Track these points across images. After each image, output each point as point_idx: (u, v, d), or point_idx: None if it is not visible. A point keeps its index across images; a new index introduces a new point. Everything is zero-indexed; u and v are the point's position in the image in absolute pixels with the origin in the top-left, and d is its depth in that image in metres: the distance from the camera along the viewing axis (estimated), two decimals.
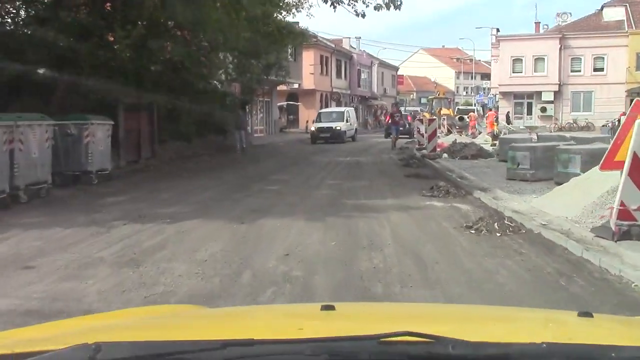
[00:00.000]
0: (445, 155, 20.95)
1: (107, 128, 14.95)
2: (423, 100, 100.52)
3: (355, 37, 58.23)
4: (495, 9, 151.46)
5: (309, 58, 45.76)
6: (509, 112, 47.07)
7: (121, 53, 15.78)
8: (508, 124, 36.10)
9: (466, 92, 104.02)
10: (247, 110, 33.57)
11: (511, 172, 14.05)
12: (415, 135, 26.04)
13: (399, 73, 71.86)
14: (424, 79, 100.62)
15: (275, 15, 25.71)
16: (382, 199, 11.13)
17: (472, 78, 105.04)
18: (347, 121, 34.70)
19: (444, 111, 53.72)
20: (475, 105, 65.03)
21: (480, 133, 38.02)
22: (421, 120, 25.78)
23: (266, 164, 19.63)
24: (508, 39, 49.00)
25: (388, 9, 17.65)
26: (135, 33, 15.42)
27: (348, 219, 8.92)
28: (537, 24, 52.27)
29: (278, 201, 10.85)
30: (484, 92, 43.65)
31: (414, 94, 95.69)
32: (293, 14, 26.55)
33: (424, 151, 22.72)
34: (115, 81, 17.52)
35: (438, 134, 25.13)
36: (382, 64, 63.33)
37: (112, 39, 16.96)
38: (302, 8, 26.67)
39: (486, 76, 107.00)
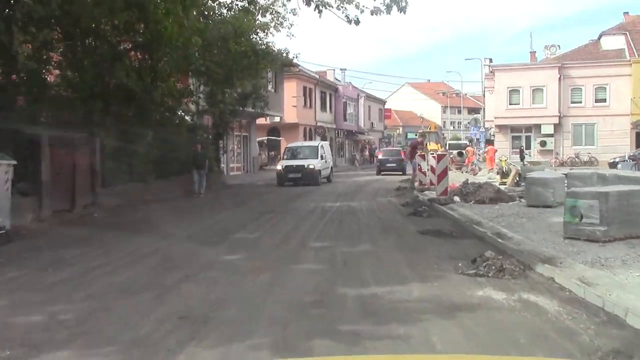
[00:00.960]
0: (456, 198, 16.81)
1: (4, 170, 10.59)
2: (410, 135, 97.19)
3: (340, 69, 54.78)
4: (483, 42, 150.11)
5: (291, 89, 41.90)
6: (522, 146, 43.20)
7: (22, 66, 11.53)
8: (521, 159, 32.29)
9: (453, 127, 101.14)
10: (221, 145, 29.37)
11: (571, 228, 9.83)
12: (416, 173, 21.79)
13: (386, 107, 68.30)
14: (410, 114, 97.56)
15: (250, 35, 21.76)
16: (402, 283, 6.83)
17: (459, 112, 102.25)
18: (321, 158, 28.31)
19: (432, 146, 49.71)
20: (468, 139, 61.62)
21: (480, 169, 34.17)
22: (423, 156, 21.71)
23: (235, 212, 15.33)
24: (503, 68, 45.60)
25: (389, 12, 13.66)
26: (43, 37, 11.22)
27: (356, 348, 4.59)
28: (533, 53, 49.12)
29: (231, 293, 6.50)
30: (480, 126, 39.98)
31: (401, 128, 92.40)
32: (271, 33, 22.59)
33: (432, 194, 18.62)
34: (36, 106, 13.32)
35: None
36: (369, 97, 59.77)
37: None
38: (282, 27, 22.69)
39: (473, 110, 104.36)
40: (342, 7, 13.55)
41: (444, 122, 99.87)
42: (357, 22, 14.00)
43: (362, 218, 13.59)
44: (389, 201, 18.03)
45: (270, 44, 22.02)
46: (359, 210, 15.38)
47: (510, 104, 44.77)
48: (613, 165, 36.47)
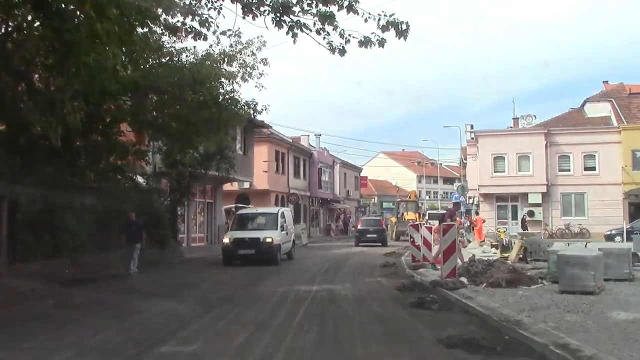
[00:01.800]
0: (463, 279, 13.16)
1: None
2: (385, 205, 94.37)
3: (315, 135, 51.86)
4: (458, 113, 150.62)
5: (262, 153, 38.53)
6: (525, 215, 39.91)
7: None
8: (524, 229, 29.01)
9: (429, 197, 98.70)
10: (180, 213, 25.51)
11: None
12: (409, 246, 18.02)
13: (362, 174, 65.35)
14: (385, 183, 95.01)
15: (211, 83, 18.37)
16: None
17: (435, 182, 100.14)
18: (281, 229, 22.30)
19: (410, 215, 46.81)
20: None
21: (469, 242, 30.72)
22: (416, 227, 18.14)
23: (177, 302, 11.35)
24: (487, 134, 43.05)
25: (382, 45, 10.41)
26: None
27: None
28: (516, 120, 46.90)
29: None
30: (466, 194, 36.93)
31: (376, 197, 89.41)
32: (237, 83, 19.25)
33: (428, 272, 14.99)
34: None
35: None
36: (345, 165, 56.78)
37: None
38: (250, 77, 19.35)
39: (449, 180, 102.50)
40: (323, 30, 10.21)
41: (420, 191, 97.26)
42: (343, 52, 10.65)
43: (351, 313, 9.75)
44: (378, 283, 14.27)
45: (235, 94, 18.61)
46: (344, 298, 11.55)
47: (495, 172, 41.93)
48: (610, 237, 33.40)
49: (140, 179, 24.96)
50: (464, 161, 76.96)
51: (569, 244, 21.61)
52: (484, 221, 35.26)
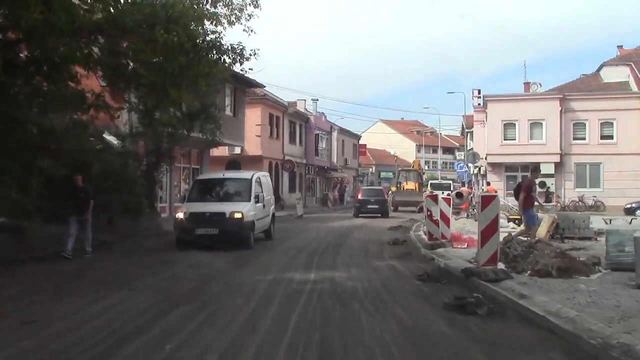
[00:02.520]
0: (500, 265, 10.19)
1: None
2: (383, 175, 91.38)
3: (312, 99, 48.52)
4: (459, 81, 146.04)
5: (254, 116, 35.29)
6: (548, 186, 36.43)
7: None
8: (547, 201, 26.01)
9: (428, 166, 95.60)
10: (157, 181, 22.40)
11: None
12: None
13: (360, 142, 62.11)
14: (383, 152, 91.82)
15: (188, 23, 15.05)
16: None
17: (434, 152, 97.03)
18: (256, 200, 16.28)
19: (409, 185, 43.68)
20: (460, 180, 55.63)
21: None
22: (434, 198, 15.12)
23: (132, 295, 8.36)
24: (498, 99, 39.83)
25: None
26: None
27: None
28: (527, 84, 43.56)
29: None
30: (474, 160, 33.70)
31: (373, 167, 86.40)
32: (222, 25, 15.92)
33: (449, 253, 12.06)
34: None
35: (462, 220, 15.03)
36: (343, 131, 53.54)
37: None
38: (239, 20, 16.02)
39: (448, 150, 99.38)
40: None
41: (419, 161, 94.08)
42: None
43: (366, 322, 6.71)
44: (392, 268, 11.26)
45: (218, 37, 15.31)
46: (352, 294, 8.51)
47: (505, 139, 38.88)
48: (630, 211, 30.59)
49: (113, 140, 21.97)
50: (466, 130, 73.87)
51: (610, 220, 18.74)
52: (496, 192, 32.33)
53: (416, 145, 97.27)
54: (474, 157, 31.55)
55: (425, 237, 18.15)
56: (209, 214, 15.03)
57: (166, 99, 17.39)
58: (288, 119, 40.73)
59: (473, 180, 57.16)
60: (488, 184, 31.43)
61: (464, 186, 34.78)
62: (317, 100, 48.23)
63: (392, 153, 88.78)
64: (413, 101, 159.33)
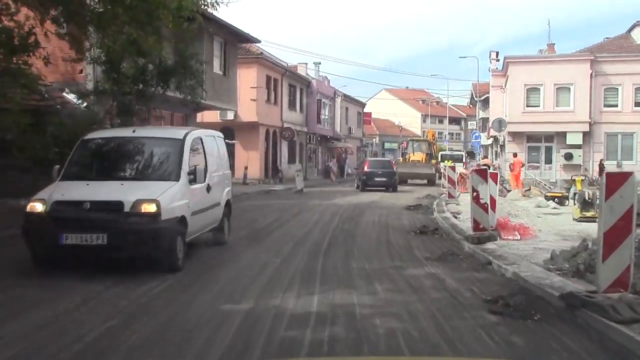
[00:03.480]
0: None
1: None
2: (387, 145, 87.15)
3: (314, 63, 44.04)
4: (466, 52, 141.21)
5: (249, 77, 31.08)
6: (602, 159, 32.38)
7: None
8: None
9: (434, 138, 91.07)
10: None
11: None
12: (472, 205, 10.67)
13: (365, 110, 57.72)
14: (387, 122, 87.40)
15: None
16: None
17: (440, 122, 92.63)
18: (191, 178, 8.74)
19: (416, 156, 39.32)
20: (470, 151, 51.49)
21: (508, 191, 23.85)
22: (482, 173, 10.98)
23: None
24: (520, 61, 35.46)
25: None
26: None
27: None
28: (551, 45, 39.12)
29: None
30: (500, 128, 29.25)
31: (377, 137, 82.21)
32: None
33: (520, 258, 8.03)
34: None
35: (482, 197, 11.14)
36: (347, 98, 49.20)
37: None
38: None
39: (454, 120, 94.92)
40: None
41: (424, 132, 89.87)
42: None
43: None
44: (440, 285, 7.18)
45: None
46: (389, 348, 4.61)
47: (527, 106, 34.66)
48: None
49: (72, 99, 18.01)
50: (476, 99, 69.44)
51: None
52: (523, 165, 28.40)
53: (422, 115, 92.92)
54: (500, 124, 27.38)
55: (456, 221, 14.29)
56: (89, 204, 7.77)
57: (130, 46, 13.48)
58: (287, 82, 36.46)
59: (481, 152, 53.03)
60: (514, 155, 27.33)
61: (487, 158, 30.74)
62: (320, 63, 43.85)
63: (396, 123, 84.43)
64: (420, 68, 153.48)
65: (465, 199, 19.48)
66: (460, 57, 60.21)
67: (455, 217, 14.88)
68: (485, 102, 63.30)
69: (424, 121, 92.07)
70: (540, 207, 18.95)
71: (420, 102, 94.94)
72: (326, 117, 43.69)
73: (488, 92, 53.30)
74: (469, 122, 60.47)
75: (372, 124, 72.21)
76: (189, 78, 17.43)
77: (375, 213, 16.68)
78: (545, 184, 27.43)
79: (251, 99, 31.13)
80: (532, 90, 34.66)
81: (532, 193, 22.67)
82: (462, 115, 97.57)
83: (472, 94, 71.53)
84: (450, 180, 19.57)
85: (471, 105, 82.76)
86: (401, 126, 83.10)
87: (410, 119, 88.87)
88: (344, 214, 16.44)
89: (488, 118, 56.46)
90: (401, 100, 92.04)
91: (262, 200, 21.60)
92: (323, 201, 21.38)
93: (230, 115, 31.11)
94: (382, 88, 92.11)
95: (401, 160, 38.40)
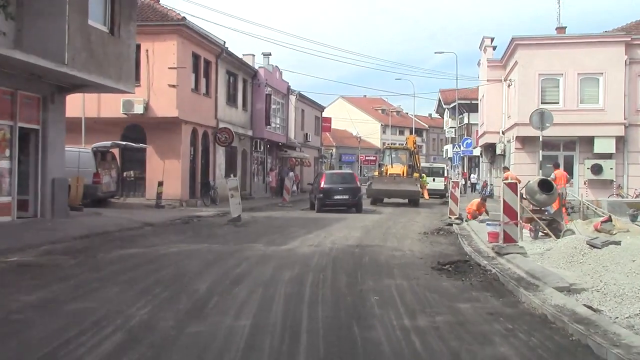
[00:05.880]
0: None
1: None
2: (345, 158, 77.97)
3: (263, 54, 34.09)
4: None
5: (165, 53, 21.09)
6: None
7: None
8: None
9: (416, 146, 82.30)
10: None
11: None
12: None
13: (324, 115, 47.99)
14: (344, 132, 78.34)
15: None
16: None
17: (401, 133, 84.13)
18: None
19: (396, 168, 30.03)
20: (454, 163, 42.46)
21: (571, 220, 14.55)
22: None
23: None
24: (535, 43, 26.58)
25: None
26: None
27: None
28: (561, 29, 30.49)
29: None
30: (542, 124, 20.05)
31: (334, 149, 72.95)
32: None
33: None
34: None
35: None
36: (303, 99, 39.54)
37: None
38: None
39: (416, 132, 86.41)
40: None
41: (384, 143, 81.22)
42: None
43: None
44: None
45: None
46: None
47: (543, 103, 25.78)
48: None
49: None
50: (444, 106, 60.93)
51: None
52: (569, 180, 19.34)
53: (381, 125, 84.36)
54: (542, 118, 17.77)
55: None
56: None
57: None
58: (225, 68, 26.49)
59: (458, 165, 44.37)
60: (556, 166, 18.31)
61: (509, 170, 21.46)
62: (270, 54, 33.95)
63: (354, 134, 75.41)
64: (376, 79, 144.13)
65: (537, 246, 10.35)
66: (436, 53, 51.19)
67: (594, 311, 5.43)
68: (454, 110, 54.94)
69: (384, 132, 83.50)
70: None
71: (380, 111, 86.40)
72: (279, 118, 33.87)
73: (458, 100, 44.79)
74: (446, 130, 51.73)
75: (327, 134, 62.77)
76: None
77: (385, 290, 7.02)
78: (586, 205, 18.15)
79: (169, 85, 21.06)
80: (549, 81, 25.87)
81: (617, 227, 13.36)
82: (424, 126, 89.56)
83: (439, 100, 63.28)
84: (509, 210, 10.04)
85: (438, 114, 74.75)
86: (360, 137, 74.21)
87: (369, 130, 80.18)
88: (319, 293, 6.73)
89: (469, 125, 47.86)
90: (359, 109, 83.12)
91: (160, 246, 11.53)
92: (270, 246, 11.54)
93: (138, 109, 21.00)
94: (339, 96, 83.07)
95: (377, 174, 28.83)
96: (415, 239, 13.26)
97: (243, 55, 30.42)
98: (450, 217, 18.05)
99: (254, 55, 32.15)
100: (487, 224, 12.33)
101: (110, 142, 19.76)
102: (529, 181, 13.42)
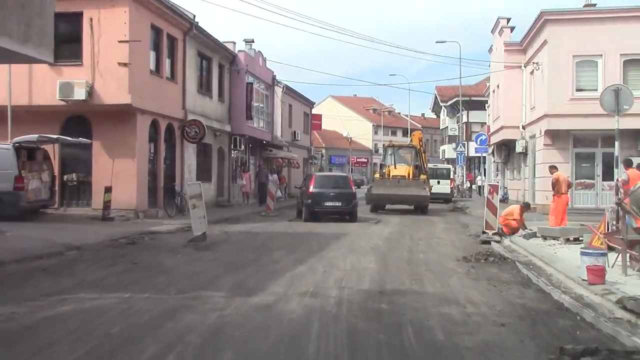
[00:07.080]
0: None
1: None
2: (335, 160, 73.38)
3: (245, 40, 29.27)
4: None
5: (113, 23, 16.30)
6: None
7: None
8: None
9: (422, 144, 77.80)
10: None
11: None
12: None
13: (314, 112, 43.16)
14: (334, 133, 73.80)
15: None
16: None
17: (393, 134, 79.72)
18: None
19: (399, 170, 25.50)
20: (459, 163, 37.87)
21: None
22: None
23: None
24: (567, 18, 22.06)
25: None
26: None
27: None
28: (590, 6, 26.02)
29: None
30: (624, 104, 15.61)
31: (324, 150, 68.28)
32: None
33: None
34: None
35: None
36: (291, 92, 34.81)
37: None
38: None
39: (407, 132, 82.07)
40: None
41: (376, 144, 76.74)
42: None
43: None
44: None
45: None
46: None
47: (577, 90, 21.33)
48: None
49: None
50: (440, 104, 56.49)
51: None
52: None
53: (373, 125, 79.89)
54: (617, 96, 13.43)
55: None
56: None
57: None
58: (195, 49, 21.69)
59: (463, 165, 40.04)
60: (629, 163, 13.83)
61: (557, 168, 16.84)
62: (253, 41, 29.25)
63: (345, 135, 70.86)
64: (367, 77, 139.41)
65: None
66: (437, 42, 46.57)
67: None
68: (451, 108, 50.55)
69: (376, 132, 78.99)
70: None
71: (371, 111, 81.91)
72: (262, 112, 29.12)
73: (457, 96, 40.38)
74: (449, 129, 47.32)
75: (316, 135, 58.03)
76: None
77: None
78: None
79: (120, 63, 16.23)
80: (585, 64, 21.38)
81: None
82: (417, 126, 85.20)
83: (435, 97, 58.82)
84: None
85: (433, 112, 70.38)
86: (351, 138, 69.67)
87: (360, 130, 75.69)
88: None
89: (468, 123, 43.46)
90: (350, 109, 78.53)
91: (45, 300, 6.73)
92: (235, 298, 6.80)
93: (79, 93, 16.18)
94: (328, 95, 78.48)
95: (378, 176, 24.13)
96: (461, 274, 8.63)
97: (225, 42, 25.57)
98: (486, 232, 13.44)
99: (234, 43, 27.36)
100: (583, 254, 7.75)
101: (37, 135, 14.92)
102: (638, 185, 8.82)
